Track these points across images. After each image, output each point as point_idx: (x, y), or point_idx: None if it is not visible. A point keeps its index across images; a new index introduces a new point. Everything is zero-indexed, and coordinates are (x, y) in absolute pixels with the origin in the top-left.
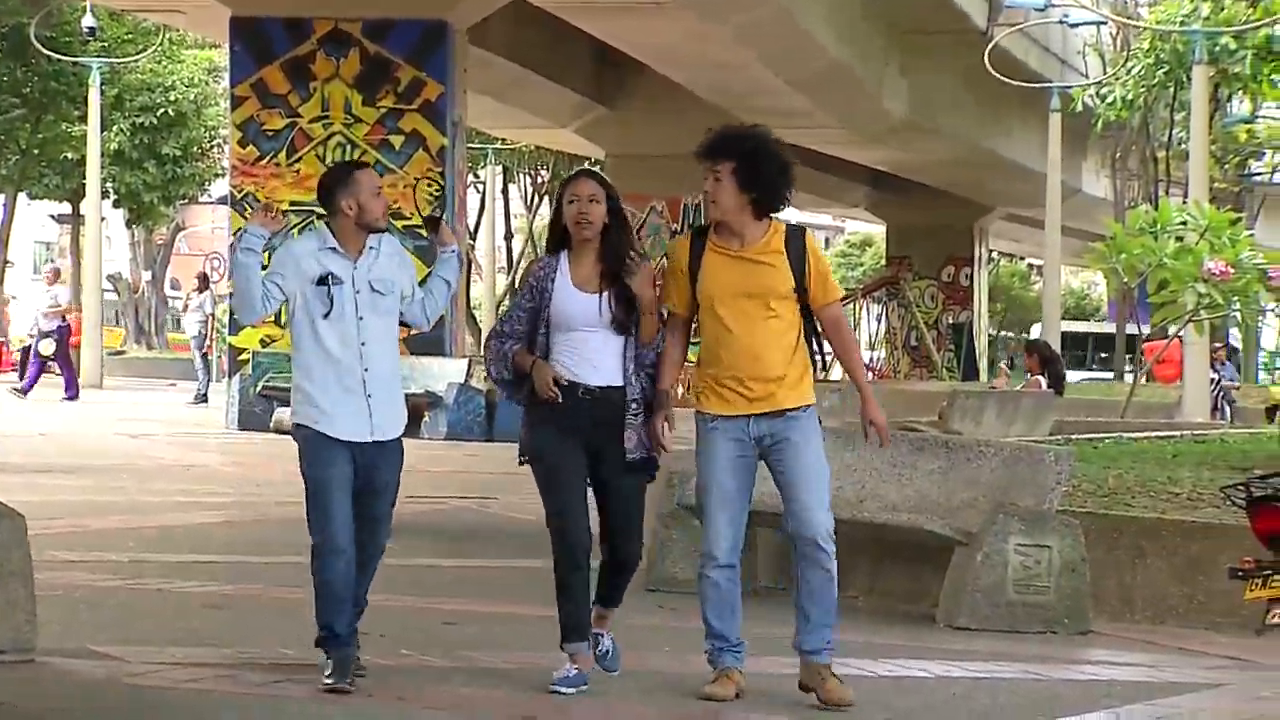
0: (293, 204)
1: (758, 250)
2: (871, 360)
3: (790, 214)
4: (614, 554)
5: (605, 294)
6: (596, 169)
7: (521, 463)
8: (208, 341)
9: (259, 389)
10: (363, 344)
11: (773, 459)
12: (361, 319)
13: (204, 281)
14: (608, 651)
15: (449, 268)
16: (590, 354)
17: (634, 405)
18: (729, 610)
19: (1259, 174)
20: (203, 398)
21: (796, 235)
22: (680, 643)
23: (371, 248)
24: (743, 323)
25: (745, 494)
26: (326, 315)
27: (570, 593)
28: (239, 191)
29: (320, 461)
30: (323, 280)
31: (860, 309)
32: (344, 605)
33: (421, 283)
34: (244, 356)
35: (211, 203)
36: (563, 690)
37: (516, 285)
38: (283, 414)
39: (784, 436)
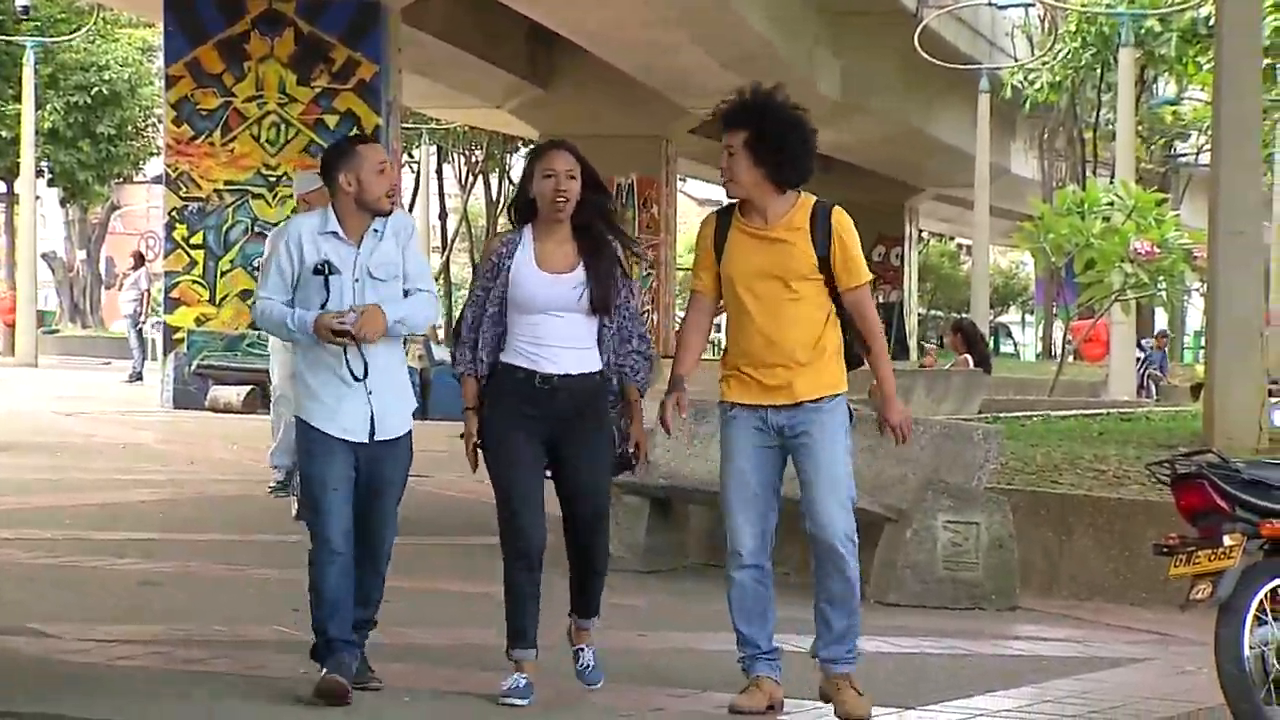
0: (227, 183)
1: (780, 228)
2: None
3: (721, 194)
4: (577, 548)
5: (576, 273)
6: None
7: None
8: (142, 319)
9: (194, 367)
10: None
11: (792, 454)
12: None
13: (139, 259)
14: (589, 666)
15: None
16: (550, 340)
17: (612, 398)
18: (758, 614)
19: (1184, 155)
20: (138, 376)
21: (824, 211)
22: (607, 620)
23: (375, 230)
24: (761, 305)
25: (771, 488)
26: (324, 306)
27: (517, 595)
28: (174, 170)
29: (317, 458)
30: (319, 269)
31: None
32: (338, 609)
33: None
34: (179, 335)
35: (146, 182)
36: (514, 702)
37: (477, 263)
38: (218, 392)
39: (803, 429)
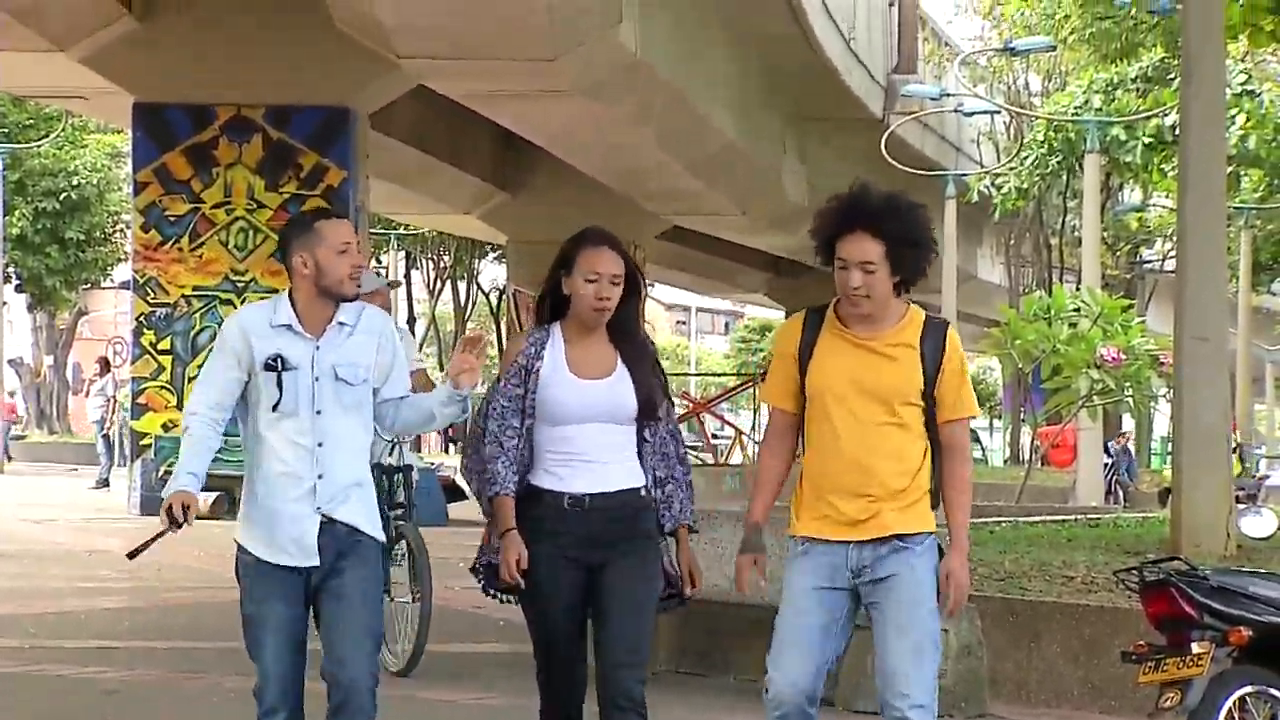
0: (195, 289)
1: (887, 340)
2: None
3: (690, 299)
4: (609, 699)
5: (615, 377)
6: (501, 254)
7: (501, 598)
8: (108, 425)
9: (161, 473)
10: (319, 444)
11: (870, 599)
12: (319, 413)
13: (105, 365)
14: None
15: (447, 407)
16: (584, 453)
17: (653, 516)
18: None
19: (1150, 261)
20: (104, 482)
21: (937, 329)
22: None
23: (343, 323)
24: (855, 426)
25: (829, 635)
26: (275, 407)
27: None
28: (141, 276)
29: (255, 596)
30: (271, 364)
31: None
32: None
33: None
34: (146, 441)
35: (114, 287)
36: None
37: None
38: None
39: (888, 571)
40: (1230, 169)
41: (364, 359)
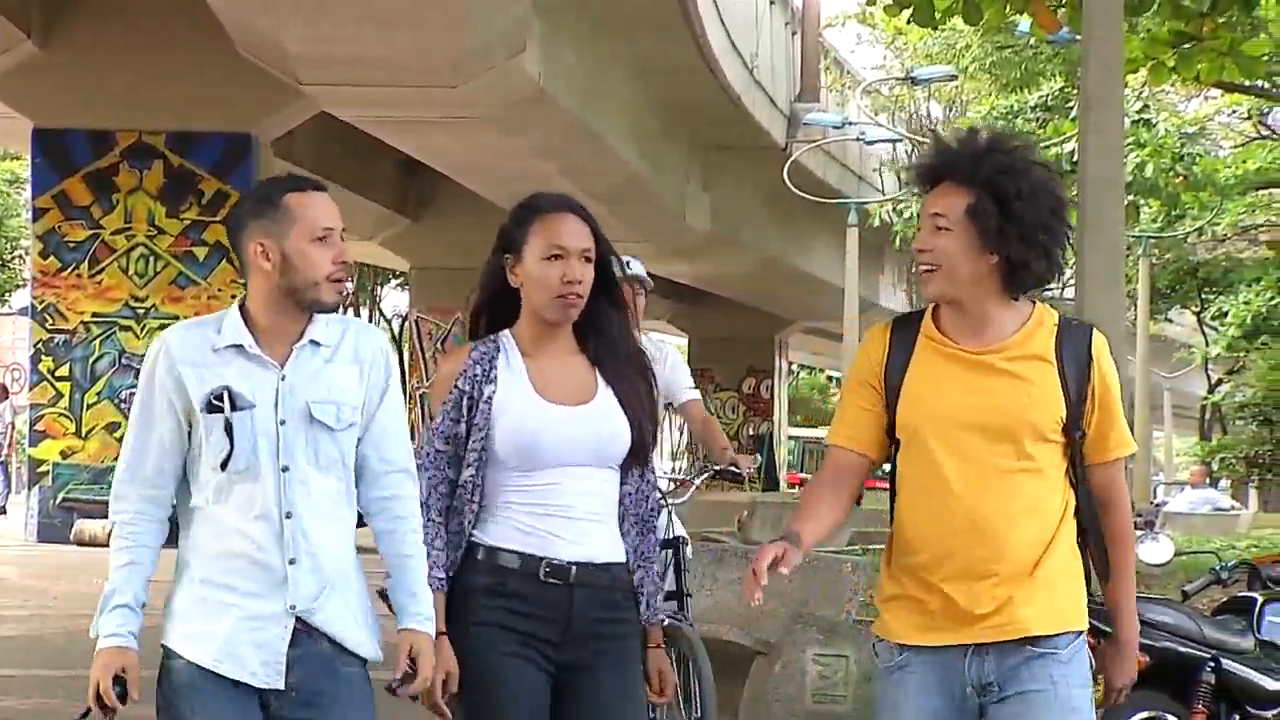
0: (94, 315)
1: (1011, 351)
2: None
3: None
4: None
5: (598, 403)
6: (404, 281)
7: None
8: (6, 451)
9: (59, 500)
10: (287, 515)
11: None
12: (286, 470)
13: (3, 392)
14: None
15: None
16: (565, 509)
17: (639, 597)
18: None
19: (1050, 289)
20: (0, 510)
21: (1078, 335)
22: None
23: (317, 343)
24: (972, 477)
25: None
26: (224, 464)
27: None
28: (40, 302)
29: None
30: (216, 404)
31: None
32: None
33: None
34: (44, 468)
35: (12, 314)
36: None
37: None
38: (84, 525)
39: (1020, 687)
40: (1128, 198)
41: (349, 395)
